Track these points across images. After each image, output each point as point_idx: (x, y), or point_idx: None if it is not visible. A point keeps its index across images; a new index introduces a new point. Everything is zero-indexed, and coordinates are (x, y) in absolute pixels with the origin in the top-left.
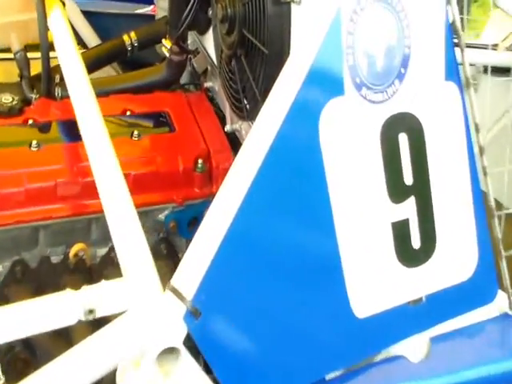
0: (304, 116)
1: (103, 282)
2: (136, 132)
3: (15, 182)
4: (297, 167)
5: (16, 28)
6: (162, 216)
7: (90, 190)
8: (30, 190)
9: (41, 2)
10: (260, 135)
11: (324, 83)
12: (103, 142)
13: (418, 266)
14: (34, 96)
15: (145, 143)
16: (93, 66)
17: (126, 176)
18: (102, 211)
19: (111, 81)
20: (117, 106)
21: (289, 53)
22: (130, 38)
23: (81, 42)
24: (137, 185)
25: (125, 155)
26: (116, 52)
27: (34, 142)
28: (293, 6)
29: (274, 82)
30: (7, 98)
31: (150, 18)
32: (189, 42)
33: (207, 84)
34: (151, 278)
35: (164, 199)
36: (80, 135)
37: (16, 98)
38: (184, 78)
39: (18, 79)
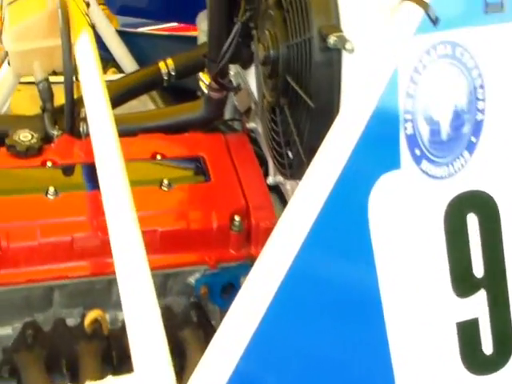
0: (352, 191)
1: (110, 378)
2: (166, 181)
3: (27, 235)
4: (341, 247)
5: (40, 55)
6: (192, 279)
7: None
8: (44, 245)
9: (66, 25)
10: (304, 204)
11: (377, 154)
12: (119, 191)
13: (489, 374)
14: (55, 133)
15: (175, 194)
16: (124, 96)
17: (152, 233)
18: None
19: (141, 117)
20: (145, 149)
21: (338, 108)
22: (166, 66)
23: (117, 65)
24: (164, 243)
25: (152, 208)
26: (150, 81)
27: (52, 189)
28: (344, 54)
29: (320, 140)
30: (26, 136)
31: (192, 40)
32: (232, 72)
33: (250, 125)
34: (166, 376)
35: (195, 260)
36: None
37: (35, 135)
38: (227, 113)
39: (40, 111)
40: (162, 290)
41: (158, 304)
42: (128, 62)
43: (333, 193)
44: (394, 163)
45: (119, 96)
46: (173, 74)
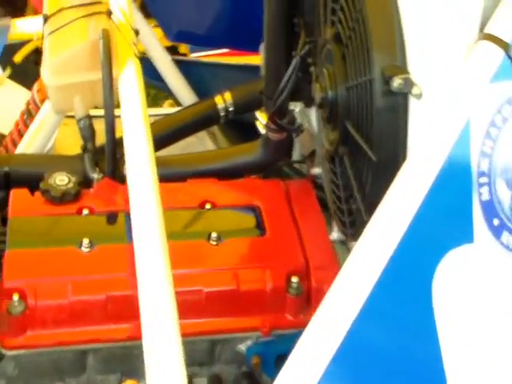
0: (414, 266)
1: None
2: (215, 234)
3: (57, 293)
4: (401, 323)
5: (81, 90)
6: (243, 347)
7: None
8: (75, 304)
9: (107, 57)
10: (359, 272)
11: (444, 223)
12: (151, 245)
13: None
14: (96, 176)
15: (225, 250)
16: (177, 134)
17: (197, 293)
18: None
19: (191, 159)
20: (194, 196)
21: (403, 161)
22: (223, 100)
23: (173, 96)
24: (210, 305)
25: (197, 265)
26: (206, 118)
27: (86, 241)
28: (411, 99)
29: (381, 197)
30: (62, 179)
31: (255, 70)
32: (297, 109)
33: (315, 170)
34: None
35: (245, 326)
36: None
37: (73, 178)
38: (295, 154)
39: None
40: (208, 357)
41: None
42: (185, 94)
43: (391, 264)
44: (465, 235)
45: (171, 133)
46: (231, 109)
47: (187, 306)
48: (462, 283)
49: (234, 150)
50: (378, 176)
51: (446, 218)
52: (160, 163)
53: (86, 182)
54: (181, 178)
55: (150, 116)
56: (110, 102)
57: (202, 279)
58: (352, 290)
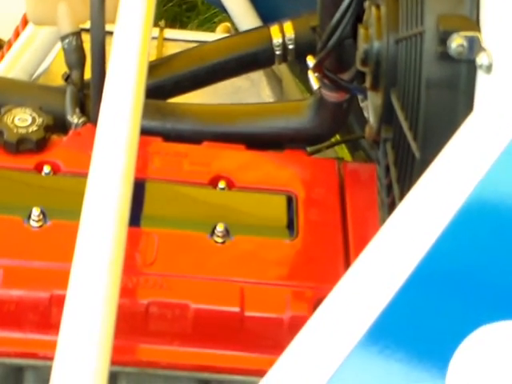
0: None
1: None
2: (221, 227)
3: None
4: None
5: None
6: None
7: None
8: (5, 300)
9: None
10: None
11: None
12: (101, 231)
13: None
14: (75, 119)
15: (232, 252)
16: (211, 73)
17: (181, 308)
18: None
19: (213, 112)
20: (206, 167)
21: None
22: (281, 34)
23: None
24: (199, 329)
25: (189, 268)
26: (252, 56)
27: (36, 212)
28: (478, 72)
29: None
30: (24, 119)
31: None
32: None
33: None
34: None
35: (249, 367)
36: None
37: (40, 119)
38: None
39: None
40: None
41: None
42: (246, 16)
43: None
44: None
45: (203, 70)
46: (290, 47)
47: (168, 326)
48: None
49: (276, 108)
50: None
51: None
52: (169, 112)
53: (61, 127)
54: (195, 137)
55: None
56: (99, 8)
57: (190, 290)
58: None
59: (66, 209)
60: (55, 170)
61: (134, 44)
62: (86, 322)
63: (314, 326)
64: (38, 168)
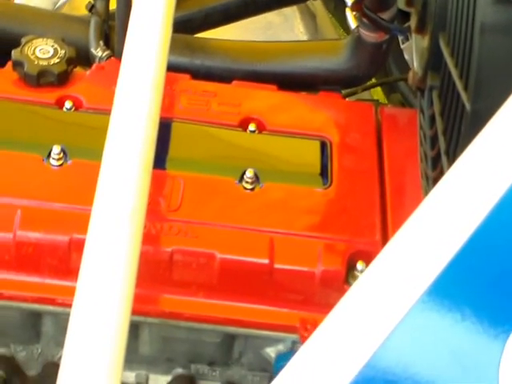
0: None
1: None
2: (251, 173)
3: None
4: None
5: None
6: (271, 352)
7: None
8: (23, 243)
9: None
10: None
11: None
12: (125, 177)
13: None
14: (99, 52)
15: (261, 199)
16: (241, 7)
17: (207, 257)
18: None
19: (244, 49)
20: (235, 108)
21: None
22: None
23: None
24: (226, 280)
25: (216, 215)
26: None
27: (57, 150)
28: None
29: None
30: (46, 50)
31: None
32: None
33: None
34: None
35: (278, 323)
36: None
37: (62, 51)
38: None
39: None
40: (221, 355)
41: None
42: None
43: None
44: None
45: (234, 6)
46: None
47: (192, 276)
48: None
49: (311, 46)
50: (471, 130)
51: None
52: (198, 48)
53: (85, 60)
54: (225, 75)
55: None
56: None
57: (217, 238)
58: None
59: (87, 147)
60: (77, 105)
61: None
62: (106, 271)
63: (373, 279)
64: (60, 103)
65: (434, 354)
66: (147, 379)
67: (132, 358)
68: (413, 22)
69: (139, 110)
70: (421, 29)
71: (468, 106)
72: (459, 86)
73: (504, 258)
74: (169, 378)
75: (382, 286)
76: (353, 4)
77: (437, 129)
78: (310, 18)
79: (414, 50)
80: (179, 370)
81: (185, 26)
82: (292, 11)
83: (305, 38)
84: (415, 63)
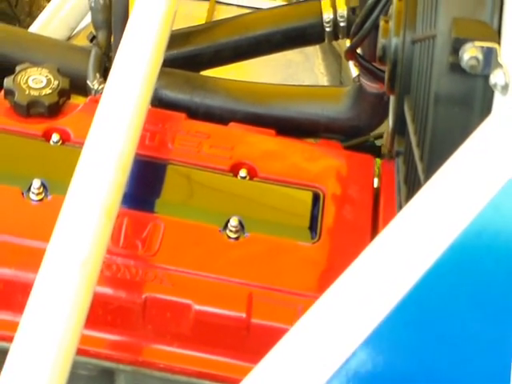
0: None
1: None
2: (235, 221)
3: None
4: None
5: None
6: None
7: None
8: None
9: None
10: None
11: None
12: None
13: None
14: (95, 86)
15: (244, 250)
16: (254, 45)
17: (183, 308)
18: None
19: (247, 90)
20: (228, 152)
21: None
22: (333, 9)
23: None
24: (201, 333)
25: (195, 264)
26: (299, 31)
27: (37, 184)
28: (496, 95)
29: None
30: (39, 80)
31: None
32: None
33: None
34: None
35: None
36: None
37: (56, 82)
38: None
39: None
40: None
41: None
42: None
43: None
44: None
45: (246, 44)
46: (342, 24)
47: (167, 325)
48: None
49: (314, 92)
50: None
51: None
52: (199, 85)
53: (83, 89)
54: (224, 115)
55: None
56: None
57: (194, 288)
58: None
59: (69, 183)
60: (64, 138)
61: (156, 8)
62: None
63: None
64: (47, 135)
65: None
66: None
67: None
68: (385, 81)
69: (110, 151)
70: (391, 89)
71: (422, 178)
72: (416, 154)
73: None
74: None
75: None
76: (346, 51)
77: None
78: (333, 58)
79: (390, 110)
80: None
81: (193, 61)
82: (314, 50)
83: (325, 79)
84: (390, 124)
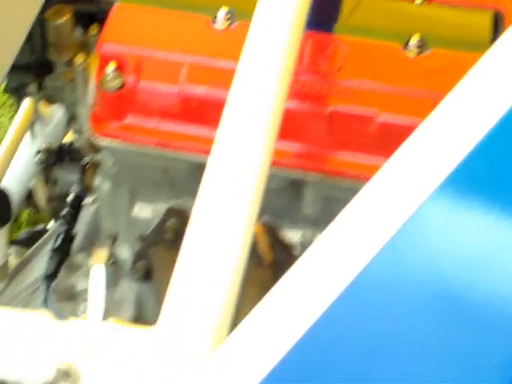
0: None
1: None
2: (416, 39)
3: (166, 75)
4: None
5: None
6: None
7: None
8: (193, 96)
9: None
10: None
11: None
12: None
13: None
14: None
15: (425, 65)
16: None
17: (366, 120)
18: None
19: None
20: None
21: None
22: None
23: None
24: (385, 141)
25: (379, 78)
26: None
27: (223, 12)
28: None
29: None
30: None
31: None
32: None
33: None
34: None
35: None
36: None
37: None
38: None
39: None
40: None
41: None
42: None
43: None
44: None
45: None
46: None
47: (352, 136)
48: None
49: None
50: None
51: None
52: None
53: None
54: None
55: None
56: None
57: (378, 101)
58: None
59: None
60: None
61: None
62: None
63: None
64: None
65: None
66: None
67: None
68: None
69: None
70: None
71: None
72: None
73: None
74: None
75: None
76: None
77: None
78: None
79: None
80: None
81: None
82: None
83: None
84: None
